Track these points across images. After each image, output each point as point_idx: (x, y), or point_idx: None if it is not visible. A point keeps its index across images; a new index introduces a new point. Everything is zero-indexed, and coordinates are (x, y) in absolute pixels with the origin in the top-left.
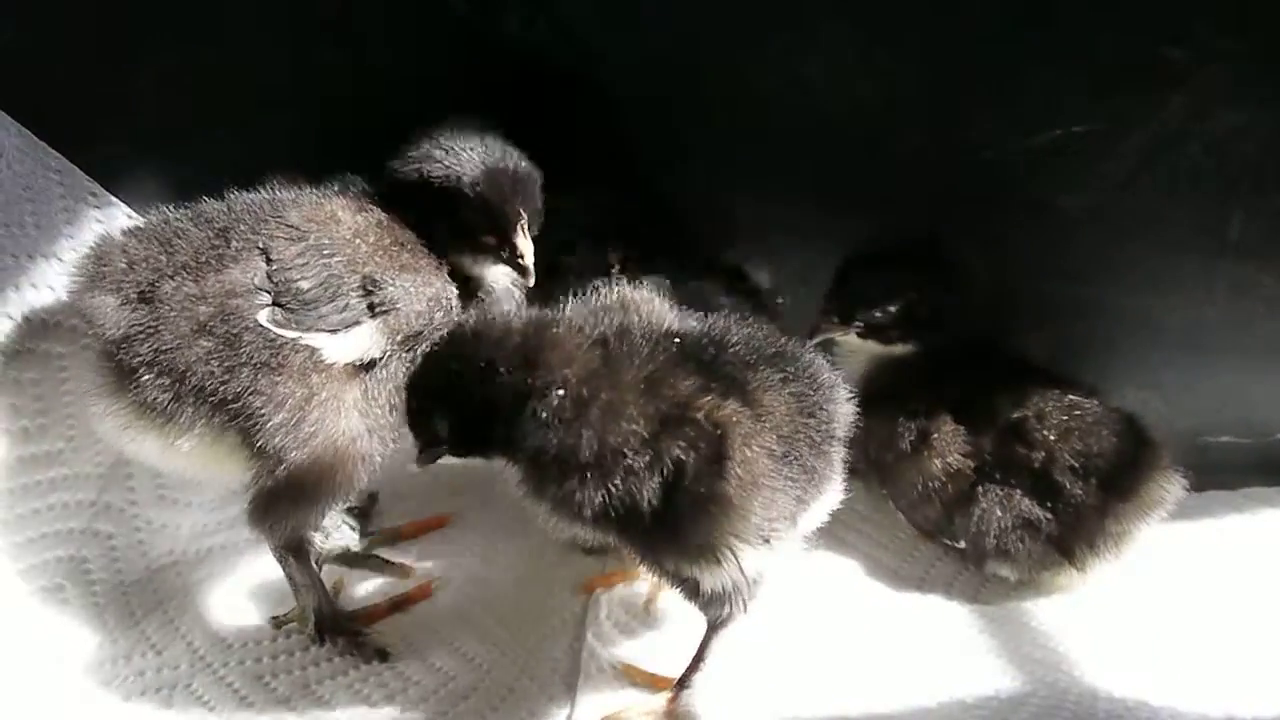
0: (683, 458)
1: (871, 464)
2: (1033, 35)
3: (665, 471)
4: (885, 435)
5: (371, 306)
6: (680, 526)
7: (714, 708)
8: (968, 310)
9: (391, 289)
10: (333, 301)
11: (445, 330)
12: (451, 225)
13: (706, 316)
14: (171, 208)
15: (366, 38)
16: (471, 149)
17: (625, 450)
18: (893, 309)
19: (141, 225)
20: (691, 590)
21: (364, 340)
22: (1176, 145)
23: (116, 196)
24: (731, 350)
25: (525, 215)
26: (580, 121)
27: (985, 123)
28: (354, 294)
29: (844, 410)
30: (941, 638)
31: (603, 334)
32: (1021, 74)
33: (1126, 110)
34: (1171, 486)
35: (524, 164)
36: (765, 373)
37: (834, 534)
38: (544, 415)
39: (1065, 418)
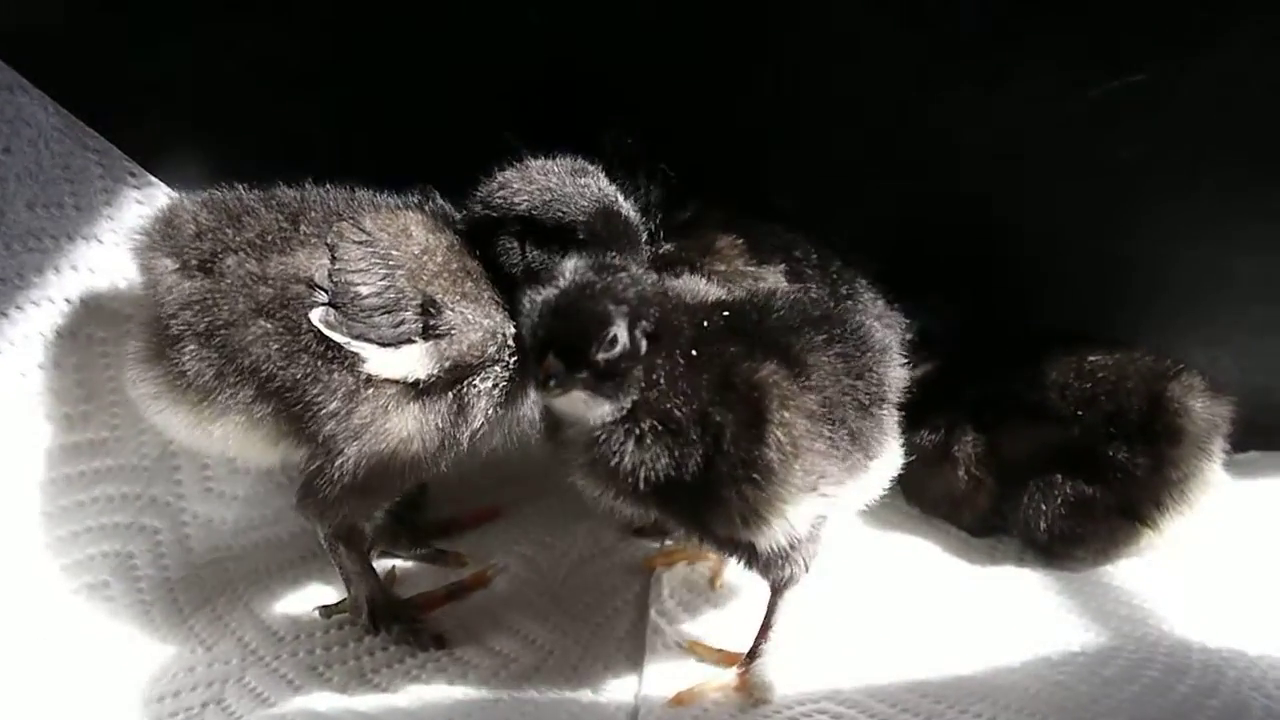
0: (722, 422)
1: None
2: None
3: (708, 440)
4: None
5: (426, 328)
6: (724, 494)
7: (791, 675)
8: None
9: (450, 314)
10: (389, 314)
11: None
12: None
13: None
14: (244, 187)
15: (406, 23)
16: (582, 190)
17: (685, 415)
18: (910, 336)
19: (214, 196)
20: (749, 554)
21: (411, 360)
22: (1236, 90)
23: (156, 176)
24: (775, 316)
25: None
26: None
27: (1040, 76)
28: (412, 311)
29: (896, 374)
30: (1019, 603)
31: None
32: (1073, 25)
33: (1181, 57)
34: (1219, 410)
35: (633, 211)
36: (809, 335)
37: (907, 514)
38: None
39: (1089, 385)
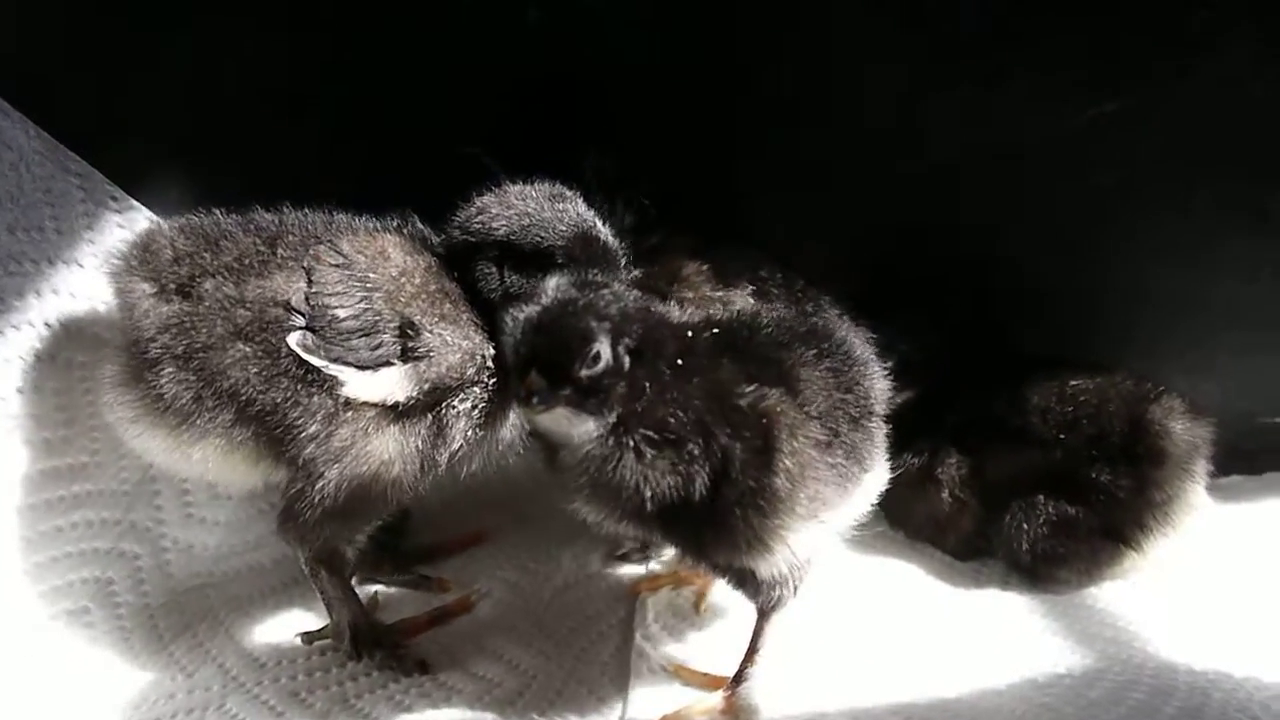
0: (730, 448)
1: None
2: (1059, 15)
3: (714, 462)
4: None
5: (405, 350)
6: (730, 521)
7: (777, 699)
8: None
9: (429, 336)
10: (367, 336)
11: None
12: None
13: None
14: (222, 211)
15: (396, 45)
16: (560, 214)
17: (679, 423)
18: (889, 364)
19: (191, 221)
20: (745, 580)
21: (390, 382)
22: (1209, 121)
23: (138, 200)
24: (764, 332)
25: None
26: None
27: (1018, 107)
28: (389, 333)
29: (880, 385)
30: (1005, 625)
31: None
32: (1047, 57)
33: (1156, 88)
34: (1200, 432)
35: (611, 236)
36: (799, 350)
37: (891, 538)
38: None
39: (1071, 408)
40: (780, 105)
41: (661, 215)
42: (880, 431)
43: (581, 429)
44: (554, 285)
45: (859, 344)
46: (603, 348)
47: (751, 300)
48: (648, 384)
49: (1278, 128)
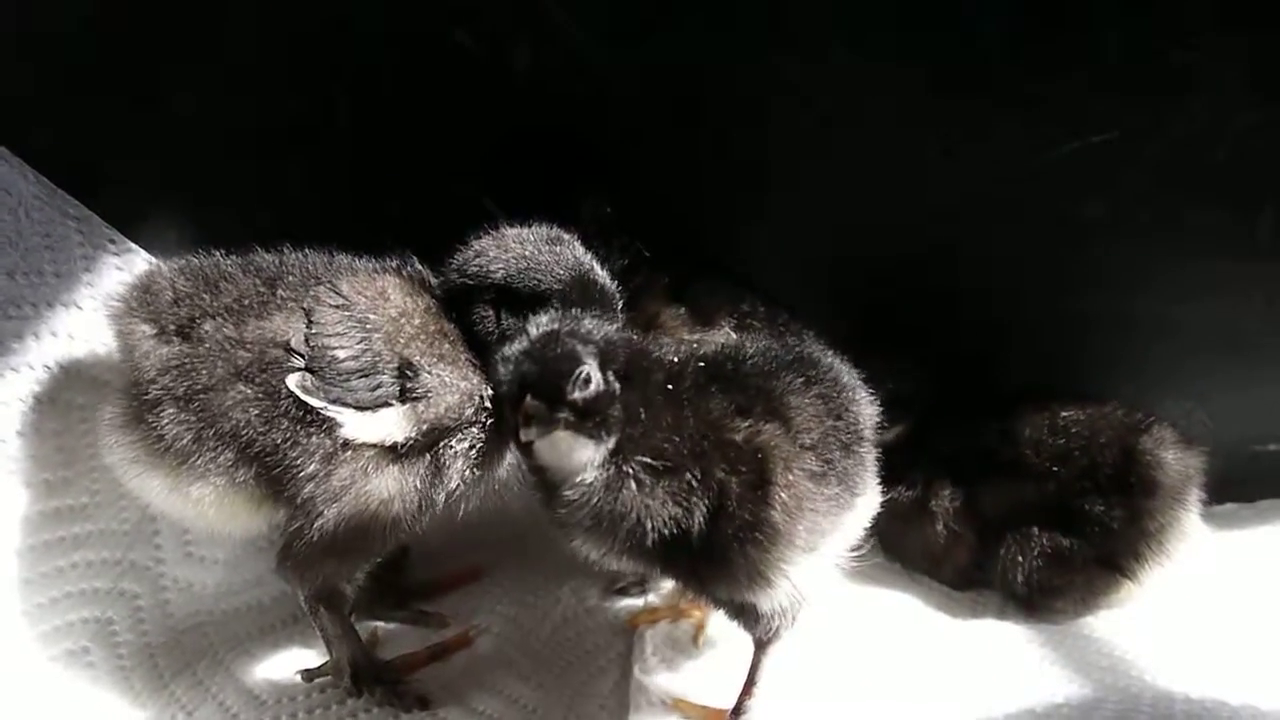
0: (726, 482)
1: (878, 536)
2: (1042, 49)
3: (711, 496)
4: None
5: (404, 391)
6: (729, 555)
7: None
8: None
9: (427, 377)
10: (366, 377)
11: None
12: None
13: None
14: (222, 253)
15: (386, 86)
16: (557, 258)
17: (675, 448)
18: (878, 398)
19: (191, 263)
20: (745, 612)
21: (389, 423)
22: (1195, 148)
23: (135, 243)
24: (750, 362)
25: None
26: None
27: (1004, 139)
28: (389, 374)
29: (868, 410)
30: (1003, 655)
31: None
32: (1036, 89)
33: (1142, 117)
34: (1191, 461)
35: (608, 279)
36: (787, 378)
37: (888, 569)
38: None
39: (1063, 440)
40: (770, 142)
41: (652, 256)
42: (870, 456)
43: (581, 456)
44: (536, 323)
45: (845, 370)
46: (591, 370)
47: (733, 335)
48: (642, 410)
49: (1264, 154)
